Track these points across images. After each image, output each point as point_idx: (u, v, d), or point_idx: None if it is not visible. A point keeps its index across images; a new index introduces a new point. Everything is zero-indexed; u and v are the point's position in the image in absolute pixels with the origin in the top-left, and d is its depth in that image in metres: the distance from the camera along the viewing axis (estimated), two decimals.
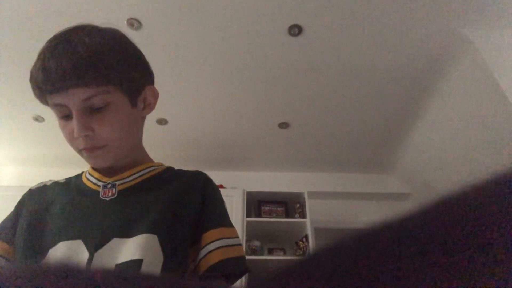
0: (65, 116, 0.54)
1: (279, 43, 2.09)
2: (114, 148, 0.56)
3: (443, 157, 2.75)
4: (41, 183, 0.67)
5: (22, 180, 3.28)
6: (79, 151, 0.57)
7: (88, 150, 0.55)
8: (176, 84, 2.36)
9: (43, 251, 0.52)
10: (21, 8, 1.84)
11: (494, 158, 2.25)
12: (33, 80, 0.52)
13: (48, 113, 2.68)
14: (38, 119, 2.74)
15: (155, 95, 0.65)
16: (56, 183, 0.66)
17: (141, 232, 0.52)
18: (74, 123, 0.52)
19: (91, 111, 0.53)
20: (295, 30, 1.99)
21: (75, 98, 0.51)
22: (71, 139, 0.55)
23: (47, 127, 2.83)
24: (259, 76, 2.36)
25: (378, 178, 3.56)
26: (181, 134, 2.98)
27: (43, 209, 0.59)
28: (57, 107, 0.53)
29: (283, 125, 2.89)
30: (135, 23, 1.92)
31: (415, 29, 1.98)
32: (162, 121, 2.77)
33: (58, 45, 0.51)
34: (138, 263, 0.49)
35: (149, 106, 0.65)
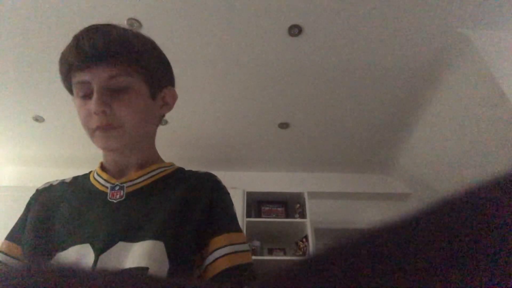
0: (84, 96, 0.56)
1: (279, 43, 2.09)
2: (128, 131, 0.56)
3: (443, 157, 2.75)
4: (48, 183, 0.67)
5: (22, 180, 3.28)
6: (92, 132, 0.56)
7: (102, 128, 0.55)
8: (177, 84, 2.36)
9: (50, 254, 0.52)
10: (21, 8, 1.84)
11: (494, 158, 2.25)
12: (64, 57, 0.55)
13: (48, 113, 2.68)
14: (38, 119, 2.74)
15: (174, 97, 0.68)
16: (63, 183, 0.65)
17: (147, 238, 0.52)
18: (94, 99, 0.53)
19: (112, 92, 0.55)
20: (295, 30, 1.99)
21: (99, 75, 0.54)
22: (87, 118, 0.56)
23: (47, 127, 2.83)
24: (259, 76, 2.36)
25: (378, 178, 3.56)
26: (181, 134, 2.98)
27: (50, 210, 0.59)
28: (80, 84, 0.55)
29: (283, 125, 2.89)
30: (135, 23, 1.92)
31: (414, 29, 1.98)
32: (162, 121, 2.77)
33: (93, 29, 0.54)
34: (143, 271, 0.49)
35: (167, 106, 0.67)
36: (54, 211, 0.58)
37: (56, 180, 0.67)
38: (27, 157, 3.29)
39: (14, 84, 2.36)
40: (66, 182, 0.65)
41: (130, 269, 0.48)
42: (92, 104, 0.53)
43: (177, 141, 3.07)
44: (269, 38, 2.06)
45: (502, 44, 1.94)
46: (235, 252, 0.55)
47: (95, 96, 0.53)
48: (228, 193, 0.65)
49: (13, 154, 3.24)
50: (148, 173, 0.63)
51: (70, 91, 0.61)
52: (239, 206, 2.86)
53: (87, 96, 0.56)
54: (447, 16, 1.90)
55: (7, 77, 2.30)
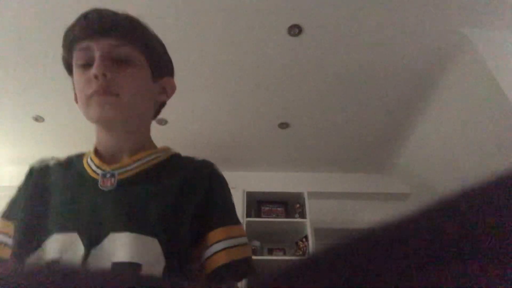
0: (85, 64, 0.55)
1: (279, 43, 2.09)
2: (125, 101, 0.55)
3: (443, 157, 2.75)
4: (43, 161, 0.64)
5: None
6: (88, 99, 0.54)
7: (100, 93, 0.53)
8: (176, 84, 2.36)
9: (40, 240, 0.50)
10: (21, 9, 1.84)
11: (494, 158, 2.25)
12: (70, 28, 0.56)
13: (48, 113, 2.68)
14: (38, 119, 2.74)
15: (173, 88, 0.69)
16: (58, 164, 0.62)
17: (141, 233, 0.49)
18: (95, 63, 0.53)
19: (114, 62, 0.55)
20: (295, 30, 1.99)
21: (104, 43, 0.55)
22: (85, 84, 0.54)
23: (47, 127, 2.83)
24: (259, 76, 2.36)
25: (378, 178, 3.56)
26: (181, 134, 2.98)
27: (44, 193, 0.57)
28: (82, 51, 0.55)
29: (283, 125, 2.89)
30: None
31: (414, 28, 1.98)
32: (162, 121, 2.77)
33: (102, 8, 0.56)
34: (136, 267, 0.47)
35: (166, 94, 0.67)
36: (48, 194, 0.56)
37: (52, 159, 0.64)
38: (27, 157, 3.28)
39: (14, 84, 2.36)
40: (61, 163, 0.62)
41: (122, 267, 0.47)
42: (93, 67, 0.53)
43: (177, 141, 3.06)
44: (269, 38, 2.06)
45: (502, 44, 1.94)
46: (233, 246, 0.54)
47: (97, 60, 0.53)
48: (226, 183, 0.63)
49: (13, 154, 3.24)
50: (141, 159, 0.60)
51: (69, 69, 0.60)
52: (239, 206, 2.86)
53: (87, 64, 0.55)
54: (447, 16, 1.90)
55: (7, 77, 2.30)
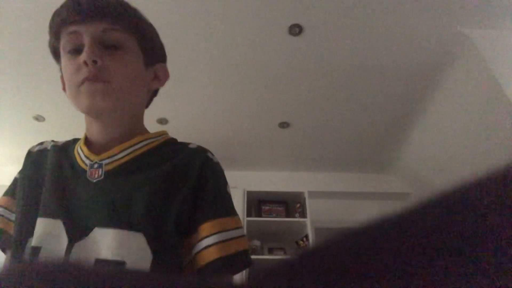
0: (73, 50, 0.53)
1: (280, 43, 2.09)
2: (117, 89, 0.52)
3: (443, 156, 2.75)
4: (42, 145, 0.62)
5: None
6: (78, 87, 0.51)
7: (91, 80, 0.50)
8: (177, 83, 2.36)
9: (34, 226, 0.49)
10: (22, 9, 1.84)
11: (494, 158, 2.25)
12: (58, 11, 0.53)
13: (48, 112, 2.68)
14: (39, 118, 2.74)
15: (166, 74, 0.66)
16: (55, 149, 0.60)
17: (125, 228, 0.47)
18: (85, 49, 0.50)
19: (104, 48, 0.53)
20: (296, 29, 1.99)
21: (93, 28, 0.52)
22: (74, 72, 0.52)
23: (48, 126, 2.83)
24: (260, 76, 2.36)
25: (378, 178, 3.55)
26: (181, 134, 2.96)
27: (39, 177, 0.55)
28: (71, 35, 0.52)
29: (283, 125, 2.89)
30: None
31: (415, 28, 1.97)
32: (162, 121, 2.77)
33: None
34: (120, 265, 0.45)
35: (159, 81, 0.64)
36: (43, 179, 0.55)
37: (51, 142, 0.63)
38: None
39: (14, 84, 2.36)
40: (58, 147, 0.61)
41: (105, 264, 0.45)
42: (83, 54, 0.50)
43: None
44: (270, 37, 2.05)
45: (502, 43, 1.94)
46: (226, 240, 0.50)
47: (86, 46, 0.50)
48: (221, 171, 0.58)
49: (13, 154, 3.24)
50: (129, 147, 0.56)
51: (56, 55, 0.58)
52: (239, 206, 2.86)
53: (76, 50, 0.52)
54: (448, 15, 1.89)
55: (7, 77, 2.30)
